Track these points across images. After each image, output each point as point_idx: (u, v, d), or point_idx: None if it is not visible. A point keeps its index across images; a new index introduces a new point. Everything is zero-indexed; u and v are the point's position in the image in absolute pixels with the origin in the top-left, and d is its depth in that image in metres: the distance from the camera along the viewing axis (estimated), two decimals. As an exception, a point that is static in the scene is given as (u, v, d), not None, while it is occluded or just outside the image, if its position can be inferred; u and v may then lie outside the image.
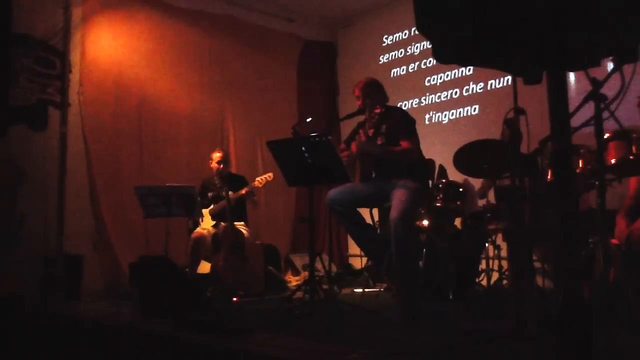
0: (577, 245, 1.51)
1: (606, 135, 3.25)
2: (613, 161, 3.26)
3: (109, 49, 6.42)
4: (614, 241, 3.60)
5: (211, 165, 5.81)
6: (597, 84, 2.01)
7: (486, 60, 1.65)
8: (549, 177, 3.63)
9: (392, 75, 7.74)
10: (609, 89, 2.00)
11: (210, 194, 5.76)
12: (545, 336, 2.50)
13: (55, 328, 4.35)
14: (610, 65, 1.86)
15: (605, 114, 2.03)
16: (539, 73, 1.56)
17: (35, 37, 5.89)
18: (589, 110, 2.05)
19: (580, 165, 3.38)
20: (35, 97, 5.88)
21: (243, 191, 5.57)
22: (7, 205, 5.57)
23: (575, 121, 1.75)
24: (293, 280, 6.87)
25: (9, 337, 4.46)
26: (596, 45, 1.48)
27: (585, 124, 2.05)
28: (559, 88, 1.51)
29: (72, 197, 6.00)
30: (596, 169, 3.16)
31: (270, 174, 5.61)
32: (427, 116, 7.27)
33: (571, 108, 1.58)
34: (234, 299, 5.07)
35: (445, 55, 1.63)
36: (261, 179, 5.66)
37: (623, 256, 3.46)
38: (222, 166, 5.76)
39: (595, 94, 2.00)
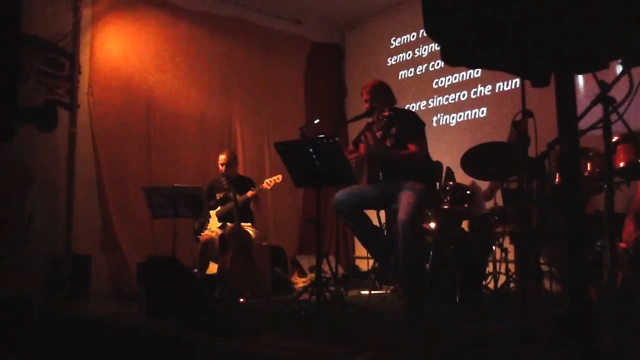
0: (584, 248, 1.51)
1: (615, 138, 3.24)
2: (622, 164, 3.25)
3: (118, 51, 6.46)
4: (622, 244, 3.59)
5: (219, 168, 5.81)
6: (605, 87, 2.00)
7: (494, 62, 1.65)
8: (556, 179, 3.62)
9: (399, 77, 7.73)
10: (618, 92, 2.00)
11: (218, 195, 5.76)
12: (552, 339, 2.49)
13: (63, 328, 4.37)
14: (619, 68, 1.86)
15: (614, 117, 2.03)
16: (547, 75, 1.56)
17: (45, 38, 5.93)
18: (597, 113, 2.04)
19: (589, 168, 3.37)
20: (44, 98, 5.91)
21: (249, 194, 5.58)
22: (15, 206, 5.60)
23: (584, 124, 1.75)
24: (299, 282, 6.86)
25: (18, 338, 4.48)
26: (604, 47, 1.48)
27: (594, 126, 2.04)
28: (567, 90, 1.51)
29: (80, 198, 6.02)
30: (604, 172, 3.15)
31: (279, 176, 5.61)
32: (434, 118, 7.26)
33: (579, 111, 1.58)
34: (241, 300, 5.08)
35: (454, 57, 1.64)
36: (270, 180, 5.66)
37: (631, 259, 3.45)
38: (226, 168, 5.69)
39: (603, 97, 2.00)
